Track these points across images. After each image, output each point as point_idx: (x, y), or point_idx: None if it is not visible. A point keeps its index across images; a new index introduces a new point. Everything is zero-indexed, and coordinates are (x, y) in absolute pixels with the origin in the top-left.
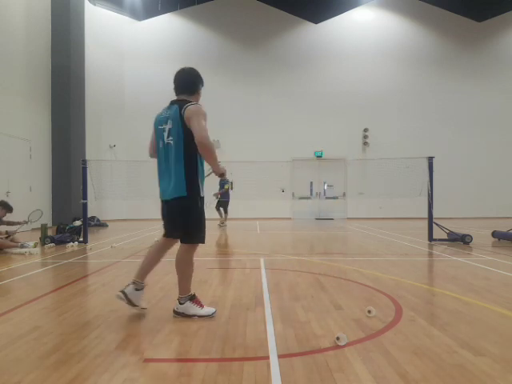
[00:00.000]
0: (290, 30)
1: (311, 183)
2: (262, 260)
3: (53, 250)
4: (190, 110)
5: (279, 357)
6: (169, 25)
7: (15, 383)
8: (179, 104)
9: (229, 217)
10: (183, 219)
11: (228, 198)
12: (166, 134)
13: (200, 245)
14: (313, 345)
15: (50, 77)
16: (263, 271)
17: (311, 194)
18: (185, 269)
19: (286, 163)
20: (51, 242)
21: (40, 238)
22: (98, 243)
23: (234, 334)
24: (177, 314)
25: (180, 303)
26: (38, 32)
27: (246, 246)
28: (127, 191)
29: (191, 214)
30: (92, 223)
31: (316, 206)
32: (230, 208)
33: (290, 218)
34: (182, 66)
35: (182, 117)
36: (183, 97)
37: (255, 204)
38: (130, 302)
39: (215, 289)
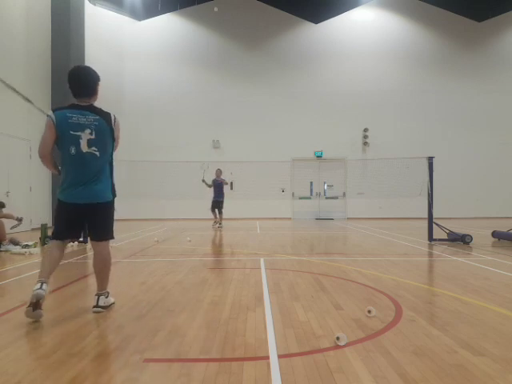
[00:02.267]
0: (290, 30)
1: (311, 183)
2: (262, 260)
3: None
4: (119, 124)
5: (279, 357)
6: (169, 25)
7: (15, 383)
8: (101, 115)
9: (229, 217)
10: (108, 220)
11: (222, 197)
12: (83, 142)
13: (200, 245)
14: (313, 345)
15: (50, 77)
16: (263, 271)
17: (311, 193)
18: (110, 264)
19: (285, 163)
20: None
21: (40, 238)
22: None
23: (233, 334)
24: (103, 308)
25: (106, 297)
26: (38, 32)
27: (246, 246)
28: (127, 191)
29: (111, 214)
30: None
31: (316, 206)
32: (230, 208)
33: (289, 218)
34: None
35: (112, 130)
36: (87, 100)
37: (255, 204)
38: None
39: (215, 289)
